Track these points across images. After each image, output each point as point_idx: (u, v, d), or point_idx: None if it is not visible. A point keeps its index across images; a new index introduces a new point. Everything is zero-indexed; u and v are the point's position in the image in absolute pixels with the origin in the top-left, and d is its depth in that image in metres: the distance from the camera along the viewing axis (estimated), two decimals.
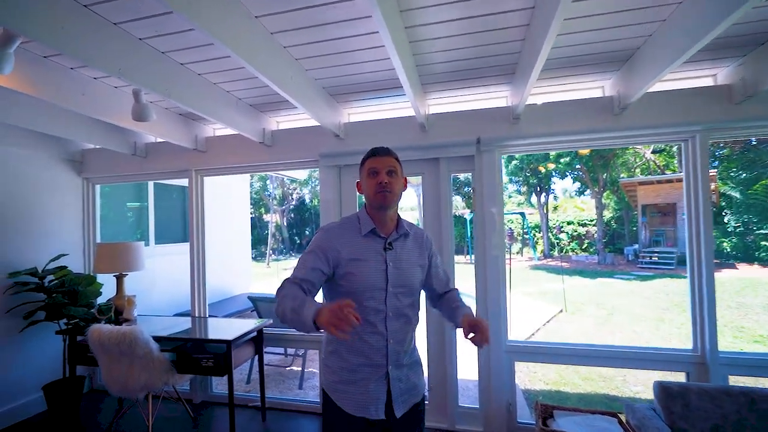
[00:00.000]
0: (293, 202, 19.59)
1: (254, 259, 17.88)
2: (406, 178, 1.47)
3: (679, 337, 5.49)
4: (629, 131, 2.41)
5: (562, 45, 1.98)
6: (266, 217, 19.87)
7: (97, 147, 3.41)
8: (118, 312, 3.00)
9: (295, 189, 19.52)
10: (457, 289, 1.55)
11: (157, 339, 2.51)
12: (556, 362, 2.58)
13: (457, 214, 18.76)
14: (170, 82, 2.04)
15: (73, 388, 2.81)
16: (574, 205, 21.58)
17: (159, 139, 3.30)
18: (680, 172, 13.79)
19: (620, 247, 15.28)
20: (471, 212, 17.52)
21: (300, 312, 1.08)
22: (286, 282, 1.24)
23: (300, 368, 3.94)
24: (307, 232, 20.61)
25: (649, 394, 3.58)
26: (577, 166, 13.25)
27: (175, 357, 2.56)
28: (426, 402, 1.49)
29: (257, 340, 2.90)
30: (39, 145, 3.11)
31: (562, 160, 12.31)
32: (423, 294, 1.52)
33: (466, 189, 18.64)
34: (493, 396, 2.60)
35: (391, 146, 2.70)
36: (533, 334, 5.53)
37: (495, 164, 2.63)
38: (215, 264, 5.08)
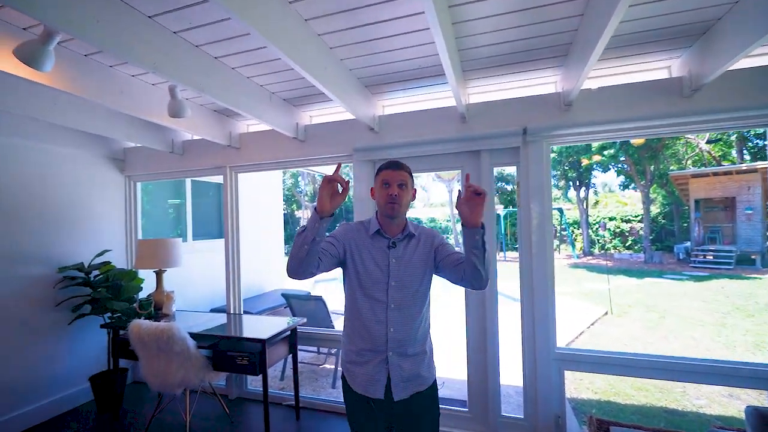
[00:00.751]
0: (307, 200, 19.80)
1: (287, 254, 18.27)
2: (415, 190, 1.60)
3: (745, 345, 4.97)
4: (701, 116, 2.12)
5: (627, 19, 1.75)
6: (298, 214, 20.24)
7: (138, 145, 3.50)
8: (157, 307, 3.06)
9: (315, 182, 19.73)
10: None
11: (193, 336, 2.52)
12: (613, 373, 2.35)
13: None
14: (204, 76, 2.00)
15: (117, 380, 2.89)
16: (616, 200, 20.42)
17: (195, 137, 3.33)
18: (740, 164, 12.61)
19: (669, 244, 14.26)
20: (505, 208, 16.95)
21: (307, 224, 1.29)
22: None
23: (333, 366, 3.89)
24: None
25: (714, 409, 3.23)
26: (622, 159, 12.42)
27: (211, 354, 2.56)
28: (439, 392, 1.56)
29: (291, 339, 2.86)
30: (84, 145, 3.22)
31: (605, 152, 11.55)
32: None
33: (498, 184, 18.08)
34: (540, 407, 2.40)
35: (429, 139, 2.59)
36: (577, 338, 5.20)
37: (543, 156, 2.42)
38: (249, 260, 5.15)
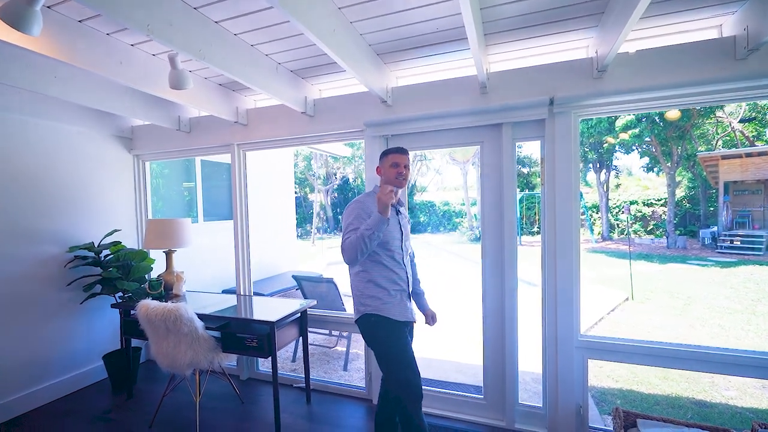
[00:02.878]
0: (337, 182, 19.71)
1: (299, 237, 18.38)
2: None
3: None
4: (757, 80, 1.87)
5: None
6: (311, 197, 20.23)
7: (146, 123, 3.41)
8: (167, 287, 3.02)
9: (338, 168, 19.60)
10: (416, 264, 2.21)
11: (202, 317, 2.46)
12: (641, 363, 2.19)
13: None
14: (204, 42, 1.86)
15: (129, 358, 2.88)
16: (637, 183, 19.71)
17: (202, 113, 3.22)
18: None
19: (693, 229, 13.72)
20: (521, 191, 16.54)
21: (370, 224, 1.67)
22: (345, 239, 1.75)
23: (344, 349, 3.84)
24: None
25: (746, 401, 3.06)
26: (647, 139, 11.82)
27: (220, 335, 2.50)
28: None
29: (301, 322, 2.78)
30: (91, 123, 3.14)
31: (629, 132, 10.99)
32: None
33: (519, 167, 17.61)
34: (561, 396, 2.28)
35: (445, 111, 2.39)
36: (596, 324, 5.03)
37: (571, 129, 2.21)
38: (261, 242, 5.11)
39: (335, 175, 19.70)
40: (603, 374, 3.59)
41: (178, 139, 3.29)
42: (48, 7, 1.76)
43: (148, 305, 2.34)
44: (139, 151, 3.49)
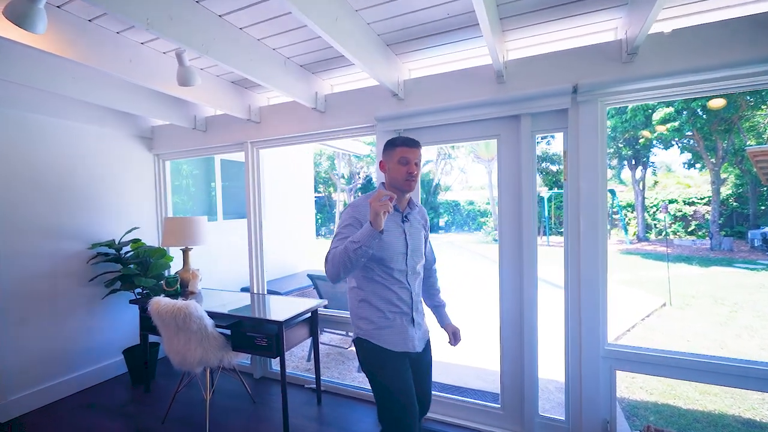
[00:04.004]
0: (360, 181, 19.75)
1: (325, 237, 18.56)
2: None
3: None
4: None
5: None
6: (335, 196, 20.39)
7: (165, 123, 3.48)
8: (183, 285, 3.06)
9: (362, 167, 19.64)
10: (436, 270, 1.91)
11: (212, 315, 2.46)
12: (678, 377, 1.98)
13: None
14: (206, 36, 1.83)
15: (146, 353, 2.93)
16: (677, 181, 18.54)
17: (217, 112, 3.23)
18: None
19: (741, 230, 12.71)
20: (550, 189, 15.93)
21: (358, 236, 1.33)
22: (331, 249, 1.44)
23: None
24: None
25: None
26: (689, 133, 11.03)
27: (230, 333, 2.49)
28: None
29: (312, 322, 2.73)
30: (113, 123, 3.23)
31: (668, 125, 10.28)
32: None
33: (542, 165, 16.99)
34: (585, 409, 2.10)
35: (460, 103, 2.26)
36: (628, 331, 4.70)
37: (597, 119, 2.03)
38: (280, 241, 5.14)
39: (358, 174, 19.75)
40: (635, 385, 3.32)
41: (195, 138, 3.32)
42: (57, 6, 1.79)
43: (159, 302, 2.36)
44: (159, 151, 3.56)
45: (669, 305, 5.88)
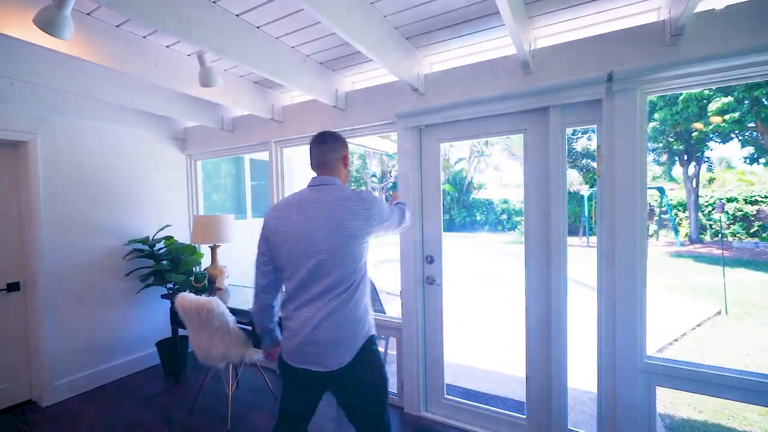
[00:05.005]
0: (392, 179, 19.71)
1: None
2: None
3: None
4: None
5: None
6: None
7: (196, 125, 3.60)
8: (211, 281, 3.15)
9: (393, 166, 19.58)
10: None
11: (235, 312, 2.50)
12: (729, 398, 1.76)
13: (571, 190, 16.44)
14: (224, 36, 1.84)
15: (177, 346, 3.05)
16: (738, 178, 16.93)
17: (243, 113, 3.30)
18: None
19: None
20: (590, 188, 15.08)
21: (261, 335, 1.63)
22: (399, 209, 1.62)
23: (382, 350, 3.72)
24: None
25: None
26: (751, 124, 10.00)
27: (251, 330, 2.53)
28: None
29: None
30: (149, 125, 3.39)
31: (727, 117, 9.35)
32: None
33: (583, 161, 16.10)
34: (620, 426, 1.92)
35: (484, 96, 2.14)
36: (675, 341, 4.32)
37: (636, 110, 1.84)
38: None
39: (390, 173, 19.72)
40: (682, 401, 3.03)
41: (223, 139, 3.41)
42: (87, 14, 1.87)
43: (184, 298, 2.43)
44: (191, 151, 3.70)
45: (724, 314, 5.35)
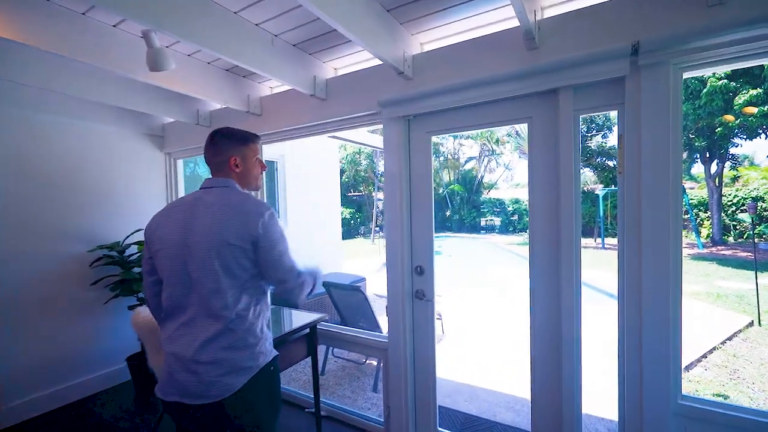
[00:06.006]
0: None
1: (363, 236, 18.44)
2: None
3: None
4: None
5: None
6: (375, 195, 20.19)
7: (175, 120, 3.33)
8: None
9: None
10: None
11: None
12: None
13: (586, 189, 15.84)
14: (163, 8, 1.54)
15: (146, 362, 2.77)
16: (762, 176, 16.10)
17: (219, 106, 3.01)
18: None
19: None
20: (605, 187, 14.48)
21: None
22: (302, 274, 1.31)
23: (376, 364, 3.40)
24: None
25: None
26: None
27: None
28: None
29: (310, 339, 2.40)
30: (120, 121, 3.13)
31: (754, 111, 8.71)
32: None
33: (599, 159, 15.49)
34: None
35: (484, 76, 1.78)
36: (705, 357, 3.88)
37: (668, 89, 1.48)
38: (304, 241, 4.90)
39: None
40: None
41: (200, 135, 3.13)
42: None
43: (138, 314, 2.14)
44: (170, 149, 3.43)
45: (757, 325, 4.87)
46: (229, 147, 1.33)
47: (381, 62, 2.12)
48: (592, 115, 1.72)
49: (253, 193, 1.57)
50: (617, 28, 1.54)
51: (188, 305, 1.19)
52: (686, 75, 1.54)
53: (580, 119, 1.74)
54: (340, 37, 2.07)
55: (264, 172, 1.47)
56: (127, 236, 3.02)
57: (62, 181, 2.77)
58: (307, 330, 2.36)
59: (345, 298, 3.36)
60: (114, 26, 1.95)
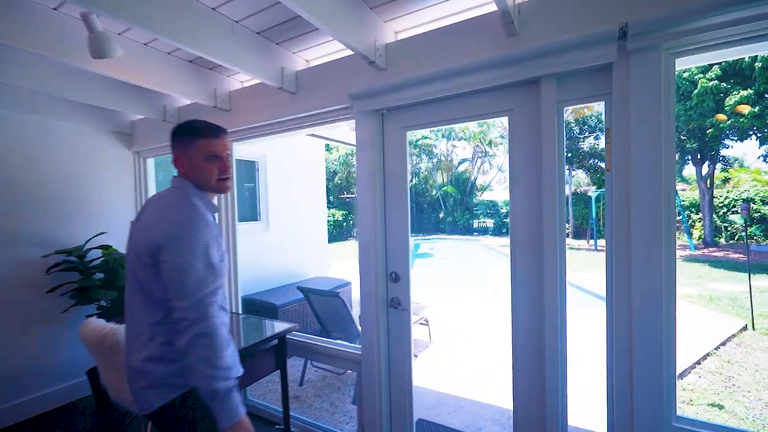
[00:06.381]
0: None
1: (356, 238, 18.24)
2: None
3: None
4: None
5: None
6: None
7: (141, 117, 3.15)
8: None
9: None
10: None
11: None
12: None
13: (578, 191, 15.81)
14: None
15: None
16: (753, 177, 16.21)
17: (187, 102, 2.83)
18: None
19: None
20: (598, 189, 14.44)
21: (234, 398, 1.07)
22: (216, 311, 1.09)
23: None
24: None
25: None
26: None
27: None
28: None
29: (279, 350, 2.22)
30: (88, 118, 2.95)
31: (746, 111, 8.68)
32: None
33: (591, 161, 15.47)
34: None
35: (460, 65, 1.60)
36: (698, 364, 3.75)
37: (660, 77, 1.33)
38: (288, 243, 4.71)
39: None
40: None
41: (166, 132, 2.94)
42: None
43: (88, 325, 1.96)
44: (139, 147, 3.25)
45: (751, 329, 4.76)
46: (173, 144, 1.24)
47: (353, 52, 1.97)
48: (583, 110, 1.57)
49: (216, 196, 1.37)
50: (603, 10, 1.40)
51: (126, 312, 1.20)
52: (680, 62, 1.40)
53: (565, 112, 1.59)
54: (308, 24, 1.91)
55: (223, 172, 1.23)
56: (88, 239, 2.83)
57: (11, 179, 2.57)
58: (276, 341, 2.19)
59: (324, 305, 3.19)
60: (54, 9, 1.77)
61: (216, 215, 1.29)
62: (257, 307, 3.44)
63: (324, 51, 2.23)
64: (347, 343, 2.31)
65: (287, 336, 2.30)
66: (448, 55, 1.73)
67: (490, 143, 19.39)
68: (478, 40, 1.66)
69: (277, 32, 2.01)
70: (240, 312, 2.70)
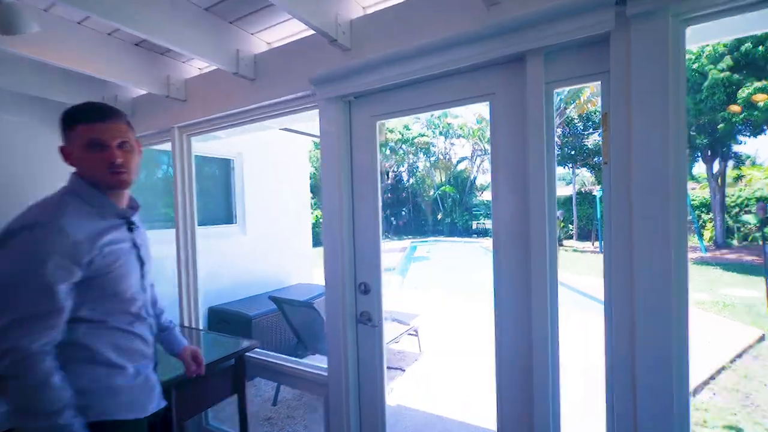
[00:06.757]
0: (389, 181, 18.93)
1: (315, 246, 17.96)
2: (140, 145, 1.14)
3: None
4: None
5: None
6: None
7: None
8: None
9: (391, 166, 18.82)
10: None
11: None
12: None
13: (583, 190, 15.42)
14: None
15: None
16: (766, 175, 15.71)
17: (141, 91, 2.58)
18: None
19: None
20: (601, 188, 14.04)
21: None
22: (31, 359, 0.87)
23: None
24: (403, 212, 19.76)
25: None
26: None
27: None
28: None
29: (237, 371, 1.97)
30: (20, 108, 2.65)
31: (760, 104, 8.22)
32: None
33: (596, 159, 15.05)
34: None
35: (434, 41, 1.19)
36: (713, 378, 3.43)
37: (667, 47, 1.06)
38: (269, 247, 4.45)
39: (387, 174, 18.94)
40: None
41: None
42: None
43: None
44: None
45: None
46: (61, 135, 1.04)
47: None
48: (587, 106, 1.30)
49: (125, 192, 1.13)
50: None
51: None
52: (691, 33, 1.12)
53: (568, 107, 1.33)
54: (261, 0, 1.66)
55: (112, 167, 1.00)
56: None
57: None
58: (232, 361, 1.93)
59: (300, 316, 2.93)
60: None
61: (131, 216, 1.12)
62: (228, 319, 3.18)
63: (287, 31, 1.96)
64: (314, 364, 2.05)
65: (248, 354, 2.06)
66: (421, 31, 1.47)
67: (488, 140, 19.04)
68: (451, 12, 1.39)
69: (226, 8, 1.76)
70: (201, 327, 2.45)
